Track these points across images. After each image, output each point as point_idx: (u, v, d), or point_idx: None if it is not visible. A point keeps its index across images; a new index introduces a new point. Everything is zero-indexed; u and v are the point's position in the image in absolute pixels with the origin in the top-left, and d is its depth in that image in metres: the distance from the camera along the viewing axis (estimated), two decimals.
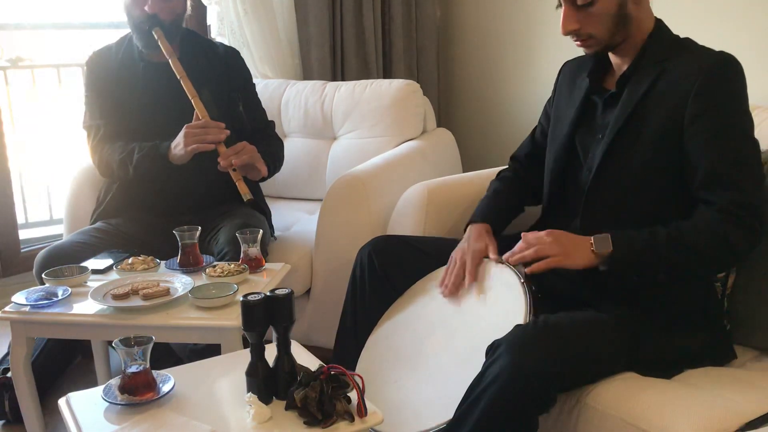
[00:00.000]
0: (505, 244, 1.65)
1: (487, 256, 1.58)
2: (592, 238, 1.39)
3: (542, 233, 1.43)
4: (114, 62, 2.09)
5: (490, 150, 3.16)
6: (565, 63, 1.73)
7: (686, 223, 1.37)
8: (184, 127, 1.90)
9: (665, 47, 1.45)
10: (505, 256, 1.48)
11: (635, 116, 1.43)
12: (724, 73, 1.38)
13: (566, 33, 1.45)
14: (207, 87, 2.05)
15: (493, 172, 2.10)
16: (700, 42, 1.47)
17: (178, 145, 1.90)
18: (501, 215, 1.72)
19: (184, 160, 1.91)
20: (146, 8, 1.96)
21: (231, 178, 1.88)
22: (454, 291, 1.55)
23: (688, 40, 1.48)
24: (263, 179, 2.05)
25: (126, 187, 2.06)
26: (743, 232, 1.33)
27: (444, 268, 1.62)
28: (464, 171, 2.68)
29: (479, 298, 1.53)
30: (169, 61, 1.96)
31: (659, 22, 1.48)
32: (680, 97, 1.38)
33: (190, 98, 1.93)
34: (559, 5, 1.45)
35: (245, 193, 1.85)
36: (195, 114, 1.93)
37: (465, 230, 1.68)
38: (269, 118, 2.29)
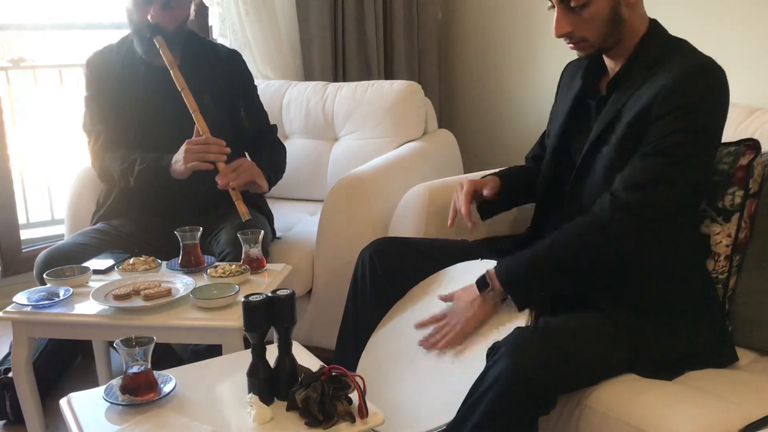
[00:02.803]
0: (502, 245, 1.65)
1: (490, 252, 1.60)
2: (474, 283, 1.46)
3: (441, 315, 1.51)
4: (115, 64, 2.08)
5: (492, 151, 3.16)
6: (567, 64, 1.73)
7: (566, 225, 1.41)
8: (185, 143, 1.89)
9: (657, 50, 1.43)
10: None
11: (617, 119, 1.43)
12: (697, 79, 1.34)
13: (559, 35, 1.45)
14: (208, 92, 2.04)
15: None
16: (698, 42, 1.45)
17: (179, 161, 1.89)
18: (513, 180, 1.76)
19: (183, 175, 1.90)
20: (149, 18, 1.93)
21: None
22: (453, 217, 1.68)
23: (682, 42, 1.45)
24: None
25: (127, 190, 2.06)
26: (615, 212, 1.35)
27: (444, 270, 1.63)
28: (465, 172, 2.68)
29: None
30: (171, 72, 1.94)
31: (654, 23, 1.47)
32: (651, 98, 1.36)
33: (191, 112, 1.91)
34: (552, 7, 1.44)
35: (244, 213, 1.84)
36: (195, 129, 1.91)
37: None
38: (271, 121, 2.29)
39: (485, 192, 1.66)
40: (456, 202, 1.67)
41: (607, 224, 1.36)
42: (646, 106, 1.37)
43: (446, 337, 1.45)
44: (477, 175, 2.13)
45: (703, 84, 1.35)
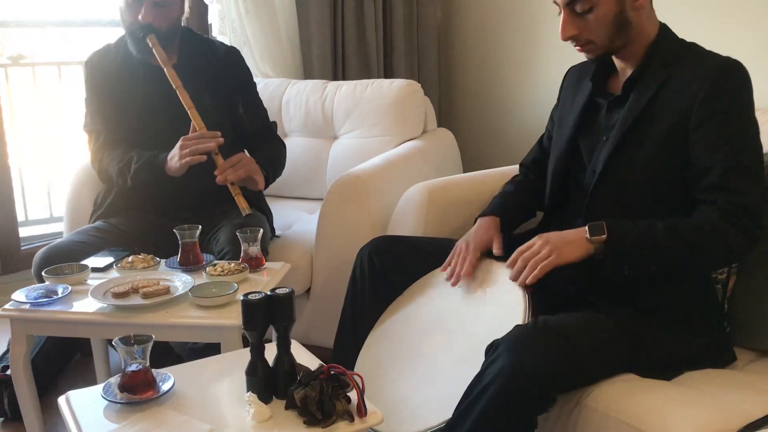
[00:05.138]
0: (514, 242, 1.65)
1: (490, 252, 1.59)
2: (587, 226, 1.39)
3: (532, 241, 1.44)
4: (113, 63, 2.08)
5: (491, 150, 3.16)
6: (570, 68, 1.73)
7: (685, 219, 1.38)
8: (181, 139, 1.89)
9: (671, 51, 1.45)
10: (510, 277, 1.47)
11: (641, 119, 1.43)
12: (730, 79, 1.38)
13: (565, 39, 1.45)
14: (207, 90, 2.04)
15: (493, 172, 2.11)
16: (706, 45, 1.47)
17: (174, 158, 1.89)
18: (511, 212, 1.73)
19: (179, 172, 1.90)
20: (140, 17, 1.92)
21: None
22: (458, 280, 1.56)
23: (694, 44, 1.48)
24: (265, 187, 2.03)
25: (126, 188, 2.05)
26: (740, 233, 1.34)
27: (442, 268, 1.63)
28: (464, 171, 2.68)
29: (478, 297, 1.53)
30: (165, 70, 1.94)
31: (664, 27, 1.49)
32: (687, 101, 1.39)
33: (187, 109, 1.91)
34: (560, 12, 1.45)
35: (244, 207, 1.83)
36: (191, 125, 1.91)
37: (474, 223, 1.69)
38: (270, 118, 2.28)
39: (495, 251, 1.61)
40: (456, 261, 1.60)
41: (734, 243, 1.34)
42: (683, 110, 1.39)
43: (536, 267, 1.39)
44: (476, 175, 2.14)
45: (738, 81, 1.39)
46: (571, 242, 1.40)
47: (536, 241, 1.43)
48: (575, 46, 1.48)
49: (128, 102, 2.04)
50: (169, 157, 1.91)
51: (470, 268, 1.56)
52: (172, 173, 1.92)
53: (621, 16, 1.41)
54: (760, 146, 1.40)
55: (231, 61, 2.18)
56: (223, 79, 2.12)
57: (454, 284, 1.57)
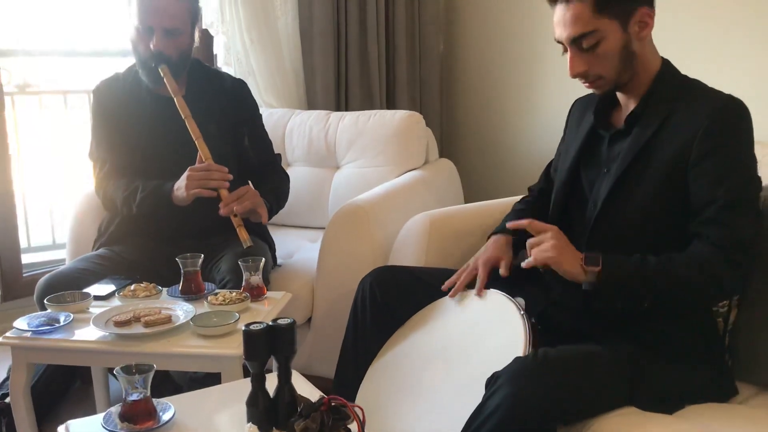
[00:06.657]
0: (516, 273, 1.65)
1: (493, 281, 1.60)
2: (584, 253, 1.40)
3: (547, 231, 1.44)
4: (122, 93, 2.10)
5: (492, 180, 3.18)
6: (576, 100, 1.74)
7: (678, 255, 1.39)
8: (188, 169, 1.90)
9: (674, 87, 1.47)
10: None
11: (643, 154, 1.45)
12: (730, 116, 1.40)
13: (574, 75, 1.46)
14: (213, 121, 2.05)
15: (495, 203, 2.12)
16: (705, 79, 1.49)
17: (180, 188, 1.90)
18: (524, 231, 1.74)
19: (185, 202, 1.91)
20: (151, 45, 1.95)
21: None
22: (457, 291, 1.62)
23: (696, 81, 1.49)
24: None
25: (129, 216, 2.06)
26: (731, 268, 1.35)
27: (444, 299, 1.63)
28: (466, 202, 2.70)
29: (479, 328, 1.53)
30: (175, 100, 1.96)
31: (666, 62, 1.51)
32: (687, 138, 1.40)
33: (194, 139, 1.92)
34: (565, 51, 1.46)
35: (245, 240, 1.83)
36: (198, 156, 1.92)
37: (487, 240, 1.71)
38: (274, 148, 2.30)
39: (501, 272, 1.63)
40: (459, 275, 1.65)
41: (726, 279, 1.35)
42: (683, 146, 1.40)
43: (541, 253, 1.40)
44: (478, 206, 2.15)
45: (738, 119, 1.40)
46: (573, 256, 1.40)
47: (549, 234, 1.43)
48: (584, 82, 1.49)
49: (135, 131, 2.06)
50: (175, 187, 1.92)
51: (482, 284, 1.60)
52: (177, 202, 1.93)
53: (627, 49, 1.43)
54: (758, 181, 1.41)
55: (238, 93, 2.20)
56: (229, 111, 2.14)
57: (451, 296, 1.62)
